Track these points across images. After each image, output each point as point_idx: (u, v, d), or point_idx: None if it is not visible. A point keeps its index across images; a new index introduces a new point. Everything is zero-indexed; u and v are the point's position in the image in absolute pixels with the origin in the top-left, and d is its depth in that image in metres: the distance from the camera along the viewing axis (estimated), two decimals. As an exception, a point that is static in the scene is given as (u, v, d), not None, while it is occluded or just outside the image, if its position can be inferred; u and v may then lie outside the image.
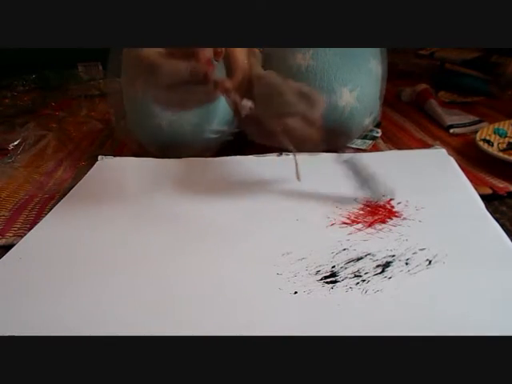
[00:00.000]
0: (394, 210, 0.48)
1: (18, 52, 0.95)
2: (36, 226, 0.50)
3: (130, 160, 0.65)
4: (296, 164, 0.45)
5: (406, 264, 0.39)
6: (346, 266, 0.40)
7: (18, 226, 0.53)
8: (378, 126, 0.76)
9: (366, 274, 0.38)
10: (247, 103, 0.45)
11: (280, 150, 0.63)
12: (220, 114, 0.64)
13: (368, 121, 0.66)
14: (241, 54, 0.70)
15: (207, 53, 0.44)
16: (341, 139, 0.66)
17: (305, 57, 0.61)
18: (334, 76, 0.61)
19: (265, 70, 0.66)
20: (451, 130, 0.75)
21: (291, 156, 0.63)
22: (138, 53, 0.43)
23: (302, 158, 0.62)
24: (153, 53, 0.42)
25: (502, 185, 0.55)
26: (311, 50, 0.61)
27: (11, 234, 0.51)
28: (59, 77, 1.24)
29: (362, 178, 0.48)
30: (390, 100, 0.91)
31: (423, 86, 0.90)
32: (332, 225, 0.46)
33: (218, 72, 0.66)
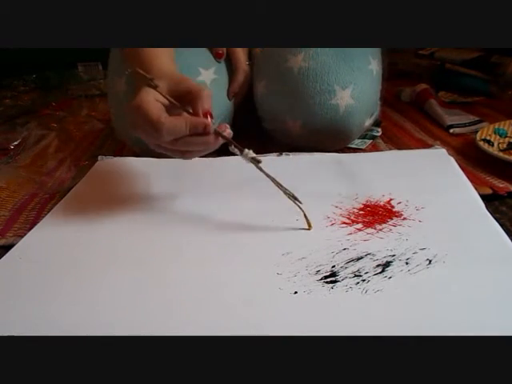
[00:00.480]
0: (394, 209, 0.48)
1: (18, 52, 0.95)
2: (36, 226, 0.50)
3: (130, 160, 0.65)
4: (304, 214, 0.46)
5: (406, 264, 0.39)
6: (346, 265, 0.40)
7: (17, 226, 0.53)
8: (378, 125, 0.76)
9: (366, 273, 0.38)
10: (248, 152, 0.45)
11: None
12: (218, 114, 0.64)
13: (368, 122, 0.66)
14: (242, 55, 0.70)
15: (205, 105, 0.44)
16: (341, 140, 0.66)
17: (305, 58, 0.61)
18: (335, 77, 0.60)
19: (265, 71, 0.67)
20: (451, 130, 0.75)
21: (291, 156, 0.64)
22: (137, 104, 0.43)
23: (301, 157, 0.63)
24: (152, 108, 0.43)
25: (502, 185, 0.55)
26: (311, 51, 0.61)
27: (11, 234, 0.51)
28: (59, 77, 1.25)
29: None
30: (390, 100, 0.91)
31: (423, 85, 0.90)
32: (332, 225, 0.46)
33: (219, 73, 0.67)
